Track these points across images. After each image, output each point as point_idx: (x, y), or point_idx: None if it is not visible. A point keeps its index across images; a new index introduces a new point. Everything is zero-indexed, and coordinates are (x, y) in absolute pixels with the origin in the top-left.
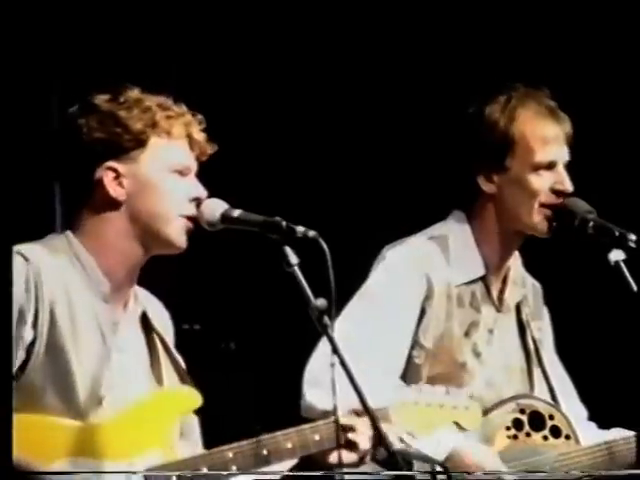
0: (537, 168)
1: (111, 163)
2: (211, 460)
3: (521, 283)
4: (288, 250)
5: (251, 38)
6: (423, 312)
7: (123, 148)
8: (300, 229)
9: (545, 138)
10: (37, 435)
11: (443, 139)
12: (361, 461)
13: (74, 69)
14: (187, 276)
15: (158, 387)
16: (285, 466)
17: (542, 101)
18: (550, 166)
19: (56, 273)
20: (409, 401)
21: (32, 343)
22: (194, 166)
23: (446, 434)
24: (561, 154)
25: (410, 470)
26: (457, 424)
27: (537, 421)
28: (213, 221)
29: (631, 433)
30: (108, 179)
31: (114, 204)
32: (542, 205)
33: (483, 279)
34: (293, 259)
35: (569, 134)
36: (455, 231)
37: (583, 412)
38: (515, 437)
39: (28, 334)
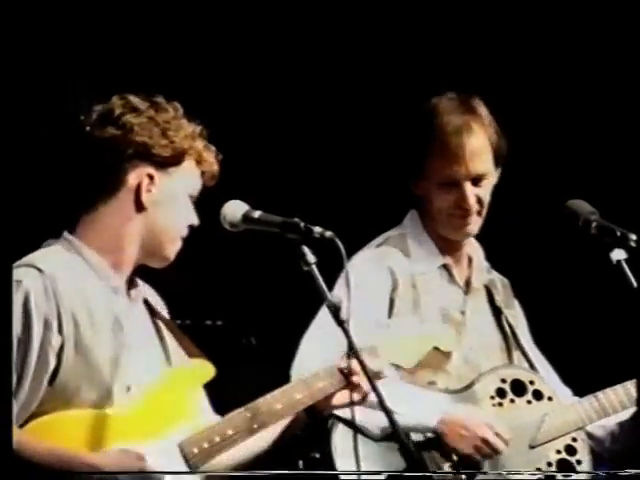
0: (441, 184)
1: (151, 170)
2: (234, 422)
3: (486, 270)
4: (306, 249)
5: (266, 44)
6: (392, 302)
7: (163, 160)
8: (317, 229)
9: (455, 152)
10: (74, 429)
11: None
12: (363, 400)
13: (95, 70)
14: (209, 274)
15: (168, 365)
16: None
17: (458, 109)
18: (454, 184)
19: (70, 277)
20: (392, 336)
21: (61, 348)
22: (197, 191)
23: (434, 399)
24: (469, 169)
25: (411, 442)
26: (437, 349)
27: (519, 388)
28: (235, 222)
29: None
30: (145, 184)
31: (139, 208)
32: (450, 216)
33: (444, 266)
34: (311, 258)
35: (494, 143)
36: (410, 228)
37: (567, 391)
38: (500, 405)
39: (56, 340)
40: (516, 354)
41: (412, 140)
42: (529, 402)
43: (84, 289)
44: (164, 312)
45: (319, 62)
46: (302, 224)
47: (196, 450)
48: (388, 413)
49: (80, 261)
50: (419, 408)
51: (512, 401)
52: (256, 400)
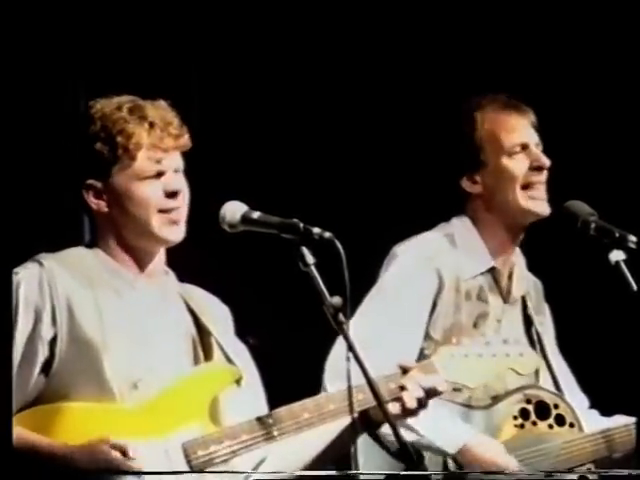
0: (510, 153)
1: (89, 181)
2: (252, 427)
3: (526, 278)
4: (305, 250)
5: (268, 44)
6: (434, 306)
7: (94, 168)
8: (316, 230)
9: (509, 127)
10: (69, 421)
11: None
12: (408, 414)
13: (94, 74)
14: (208, 274)
15: (193, 366)
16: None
17: (498, 100)
18: (523, 148)
19: (76, 273)
20: (458, 353)
21: (54, 339)
22: (170, 164)
23: (458, 426)
24: (529, 137)
25: (420, 461)
26: (514, 370)
27: (543, 410)
28: (234, 222)
29: (631, 420)
30: (88, 195)
31: (102, 215)
32: (525, 187)
33: (492, 271)
34: (310, 259)
35: (534, 123)
36: (459, 229)
37: (585, 401)
38: (522, 426)
39: (48, 331)
40: (541, 363)
41: (462, 133)
42: (550, 426)
43: (96, 287)
44: (207, 313)
45: (318, 61)
46: (301, 225)
47: (200, 452)
48: (392, 425)
49: (98, 263)
50: (441, 434)
51: (534, 424)
52: (281, 407)
